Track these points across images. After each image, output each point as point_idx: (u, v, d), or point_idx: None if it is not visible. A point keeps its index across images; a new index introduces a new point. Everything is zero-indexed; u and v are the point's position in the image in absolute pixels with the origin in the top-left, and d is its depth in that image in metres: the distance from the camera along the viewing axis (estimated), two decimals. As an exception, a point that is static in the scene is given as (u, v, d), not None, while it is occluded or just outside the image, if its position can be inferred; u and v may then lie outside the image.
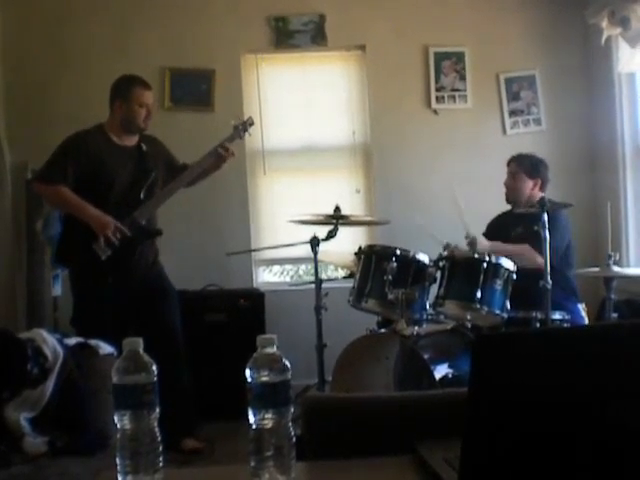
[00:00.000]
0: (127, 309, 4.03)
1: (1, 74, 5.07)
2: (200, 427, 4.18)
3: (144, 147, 4.10)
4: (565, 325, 3.78)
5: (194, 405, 4.11)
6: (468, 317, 3.81)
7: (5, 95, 5.07)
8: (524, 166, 4.37)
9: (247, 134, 4.26)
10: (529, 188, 4.33)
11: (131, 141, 4.11)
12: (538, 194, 4.29)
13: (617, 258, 3.80)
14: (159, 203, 4.11)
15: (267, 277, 5.63)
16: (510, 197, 4.38)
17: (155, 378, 1.31)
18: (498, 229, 4.41)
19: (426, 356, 3.53)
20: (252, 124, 4.27)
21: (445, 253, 3.85)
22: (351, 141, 5.45)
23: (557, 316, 3.78)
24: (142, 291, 4.07)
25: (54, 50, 5.19)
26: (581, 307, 4.21)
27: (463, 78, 5.38)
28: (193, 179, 4.21)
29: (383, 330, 3.88)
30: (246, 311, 4.85)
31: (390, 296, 3.75)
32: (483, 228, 4.46)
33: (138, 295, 4.06)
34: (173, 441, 3.73)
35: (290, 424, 1.30)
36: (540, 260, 3.74)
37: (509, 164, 4.44)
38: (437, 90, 5.39)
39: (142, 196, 4.01)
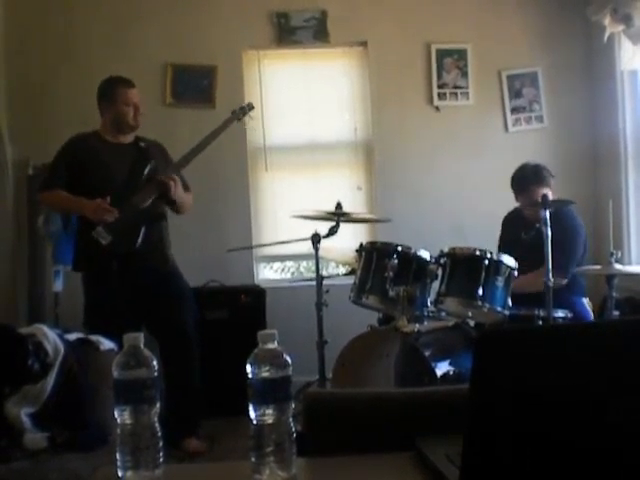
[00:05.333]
0: (137, 308, 3.99)
1: (3, 70, 5.06)
2: (200, 426, 4.18)
3: (142, 144, 4.14)
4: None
5: (202, 407, 4.11)
6: (469, 314, 3.80)
7: (7, 91, 5.06)
8: (546, 181, 4.19)
9: (247, 117, 4.25)
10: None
11: (127, 139, 4.16)
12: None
13: (619, 256, 3.79)
14: (159, 187, 4.10)
15: (268, 274, 5.62)
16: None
17: (156, 373, 1.30)
18: (510, 230, 4.35)
19: (427, 353, 3.52)
20: (252, 108, 4.29)
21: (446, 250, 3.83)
22: (353, 138, 5.44)
23: (559, 314, 3.77)
24: (154, 290, 4.04)
25: (56, 46, 5.18)
26: (585, 301, 4.20)
27: (465, 75, 5.38)
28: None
29: (384, 327, 3.88)
30: (247, 308, 4.85)
31: (391, 293, 3.74)
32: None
33: (149, 294, 4.03)
34: (174, 439, 3.73)
35: (291, 420, 1.29)
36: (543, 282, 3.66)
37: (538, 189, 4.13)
38: (439, 87, 5.38)
39: (143, 182, 4.01)
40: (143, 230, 3.96)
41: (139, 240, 3.95)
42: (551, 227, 3.66)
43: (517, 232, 4.28)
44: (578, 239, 4.18)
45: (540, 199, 3.81)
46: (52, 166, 4.12)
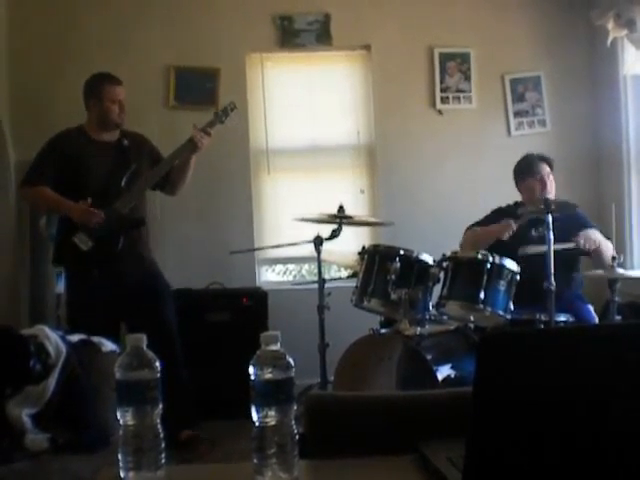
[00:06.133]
0: (119, 306, 4.03)
1: (6, 73, 5.07)
2: (199, 425, 4.17)
3: (125, 142, 4.16)
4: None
5: (193, 404, 4.11)
6: (471, 318, 3.79)
7: (10, 94, 5.07)
8: (551, 166, 4.26)
9: (228, 118, 4.24)
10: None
11: (111, 137, 4.18)
12: None
13: (621, 260, 3.79)
14: (140, 192, 4.16)
15: (270, 276, 5.62)
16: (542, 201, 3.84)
17: (158, 374, 1.30)
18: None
19: (429, 357, 3.52)
20: (233, 109, 4.29)
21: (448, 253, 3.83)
22: (355, 141, 5.44)
23: (562, 318, 3.76)
24: (134, 289, 4.08)
25: (59, 49, 5.19)
26: (591, 308, 4.19)
27: (468, 79, 5.38)
28: (182, 170, 4.23)
29: (386, 330, 3.87)
30: (249, 310, 4.84)
31: (393, 296, 3.74)
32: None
33: (130, 293, 4.06)
34: (172, 437, 3.72)
35: (293, 422, 1.29)
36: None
37: (542, 165, 4.25)
38: (442, 91, 5.38)
39: (123, 187, 4.05)
40: (123, 236, 4.02)
41: (119, 246, 4.01)
42: (576, 220, 3.90)
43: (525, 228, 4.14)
44: None
45: (546, 177, 4.17)
46: (37, 161, 4.13)
